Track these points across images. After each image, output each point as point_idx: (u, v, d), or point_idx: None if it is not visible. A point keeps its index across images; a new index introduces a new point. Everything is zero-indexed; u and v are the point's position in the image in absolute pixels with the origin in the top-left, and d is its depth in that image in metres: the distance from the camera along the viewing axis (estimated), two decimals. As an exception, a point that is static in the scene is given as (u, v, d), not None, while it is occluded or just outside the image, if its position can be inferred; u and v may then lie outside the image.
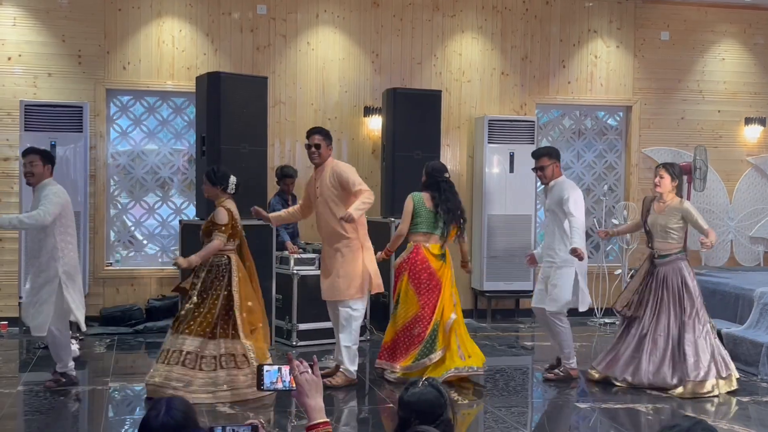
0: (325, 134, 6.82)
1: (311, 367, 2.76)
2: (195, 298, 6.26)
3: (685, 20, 10.53)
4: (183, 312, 6.31)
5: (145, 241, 9.54)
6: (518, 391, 6.81)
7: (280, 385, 2.75)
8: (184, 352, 6.15)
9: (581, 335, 8.98)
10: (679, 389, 6.56)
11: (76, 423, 6.13)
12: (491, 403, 6.39)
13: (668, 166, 6.91)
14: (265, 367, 2.77)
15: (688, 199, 9.55)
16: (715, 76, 10.64)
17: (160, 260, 9.49)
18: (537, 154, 7.06)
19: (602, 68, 10.36)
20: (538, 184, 7.44)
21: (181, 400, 2.72)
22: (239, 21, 9.40)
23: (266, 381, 2.75)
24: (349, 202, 6.55)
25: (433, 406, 2.75)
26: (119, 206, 9.40)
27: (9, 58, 8.89)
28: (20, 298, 8.50)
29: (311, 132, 6.85)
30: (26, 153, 6.58)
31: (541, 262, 7.03)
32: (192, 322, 6.20)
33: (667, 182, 6.79)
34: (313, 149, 6.73)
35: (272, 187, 8.85)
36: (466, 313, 9.85)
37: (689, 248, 9.73)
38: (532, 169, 7.11)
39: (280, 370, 2.76)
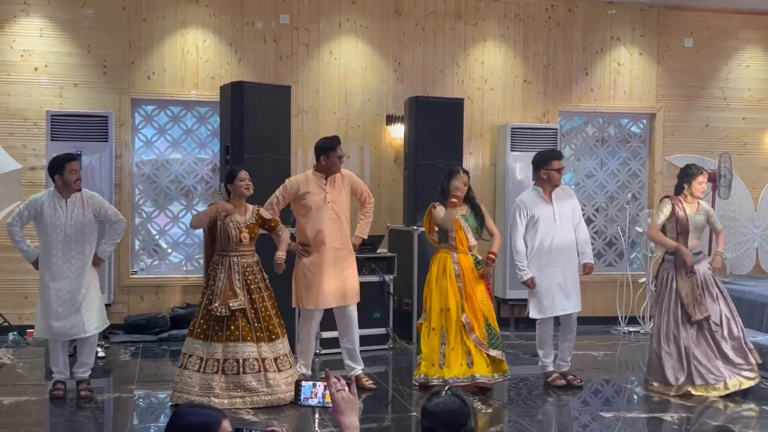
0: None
1: (348, 385, 2.75)
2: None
3: (708, 27, 10.47)
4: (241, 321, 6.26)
5: (169, 250, 9.60)
6: (542, 399, 6.78)
7: (315, 401, 2.74)
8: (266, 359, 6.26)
9: (605, 344, 8.95)
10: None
11: (101, 430, 6.17)
12: (515, 412, 6.37)
13: (704, 169, 7.01)
14: (303, 382, 2.78)
15: (713, 207, 9.49)
16: (739, 83, 10.57)
17: (184, 268, 9.55)
18: (561, 156, 7.15)
19: (625, 75, 10.33)
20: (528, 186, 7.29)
21: (210, 406, 2.73)
22: (262, 31, 9.46)
23: (302, 396, 2.76)
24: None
25: (456, 415, 2.74)
26: (144, 215, 9.47)
27: (35, 69, 9.01)
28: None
29: (339, 142, 6.91)
30: (74, 158, 6.58)
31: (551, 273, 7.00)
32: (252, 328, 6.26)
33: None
34: (343, 159, 6.85)
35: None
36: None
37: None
38: (557, 169, 7.00)
39: (314, 385, 2.75)
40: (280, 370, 6.25)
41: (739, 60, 10.57)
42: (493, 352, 6.69)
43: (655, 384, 6.84)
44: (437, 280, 6.80)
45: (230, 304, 6.16)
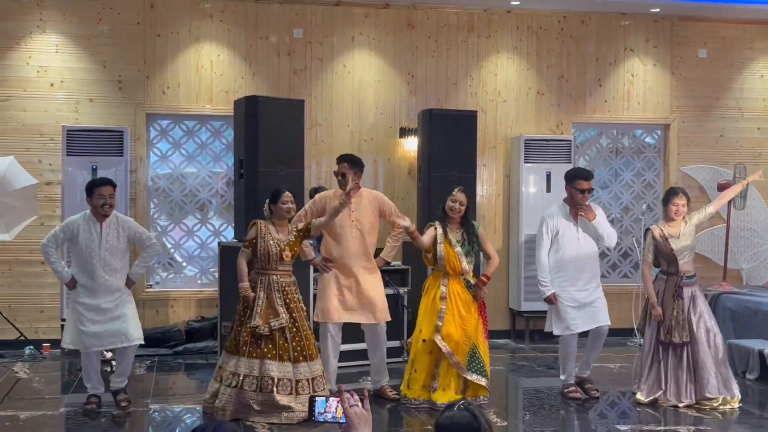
0: (353, 162, 6.85)
1: (362, 400, 2.75)
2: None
3: (722, 38, 10.44)
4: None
5: (184, 263, 9.64)
6: (557, 412, 6.75)
7: (328, 416, 2.74)
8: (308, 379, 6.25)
9: (620, 356, 8.91)
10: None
11: (117, 444, 6.19)
12: (530, 425, 6.34)
13: (684, 191, 6.95)
14: (316, 398, 2.78)
15: (728, 217, 9.46)
16: (754, 93, 10.53)
17: (199, 282, 9.58)
18: (589, 176, 7.07)
19: (639, 86, 10.31)
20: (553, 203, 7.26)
21: (231, 424, 2.73)
22: (276, 45, 9.51)
23: (315, 411, 2.76)
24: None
25: (466, 430, 2.73)
26: (159, 229, 9.51)
27: (51, 85, 9.08)
28: (62, 320, 8.64)
29: (339, 159, 6.91)
30: (106, 183, 6.56)
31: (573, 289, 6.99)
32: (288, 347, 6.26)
33: (686, 208, 6.88)
34: (339, 178, 6.82)
35: (309, 209, 8.92)
36: (504, 334, 9.83)
37: (729, 267, 9.68)
38: (585, 190, 6.95)
39: (327, 400, 2.75)
40: (315, 391, 6.21)
41: (754, 70, 10.53)
42: (471, 376, 6.59)
43: (636, 394, 6.91)
44: (422, 301, 6.80)
45: (271, 323, 6.16)
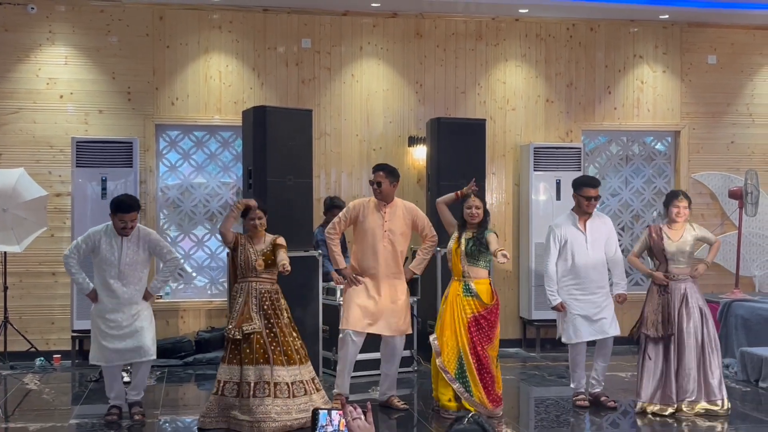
0: (389, 171, 6.87)
1: (365, 413, 2.74)
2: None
3: (732, 43, 10.41)
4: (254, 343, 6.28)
5: (194, 274, 9.65)
6: (568, 422, 6.70)
7: (330, 429, 2.75)
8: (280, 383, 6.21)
9: (631, 365, 8.81)
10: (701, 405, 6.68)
11: (126, 456, 6.18)
12: (541, 435, 6.30)
13: (685, 194, 6.95)
14: (319, 410, 2.80)
15: (740, 224, 9.40)
16: (765, 99, 10.48)
17: (209, 292, 9.58)
18: (596, 183, 7.07)
19: (649, 93, 10.27)
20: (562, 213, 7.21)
21: None
22: (284, 55, 9.52)
23: (318, 424, 2.76)
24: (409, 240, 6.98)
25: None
26: (169, 239, 9.51)
27: (61, 96, 9.11)
28: (73, 332, 8.66)
29: (375, 168, 6.92)
30: (131, 210, 6.43)
31: (583, 296, 6.96)
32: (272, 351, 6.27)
33: (688, 210, 6.86)
34: (375, 186, 6.82)
35: (317, 219, 8.90)
36: (515, 343, 9.79)
37: (741, 275, 9.62)
38: (592, 197, 6.96)
39: (329, 413, 2.76)
40: (294, 396, 6.21)
41: (764, 76, 10.48)
42: (455, 384, 6.52)
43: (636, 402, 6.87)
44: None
45: (244, 328, 6.20)
